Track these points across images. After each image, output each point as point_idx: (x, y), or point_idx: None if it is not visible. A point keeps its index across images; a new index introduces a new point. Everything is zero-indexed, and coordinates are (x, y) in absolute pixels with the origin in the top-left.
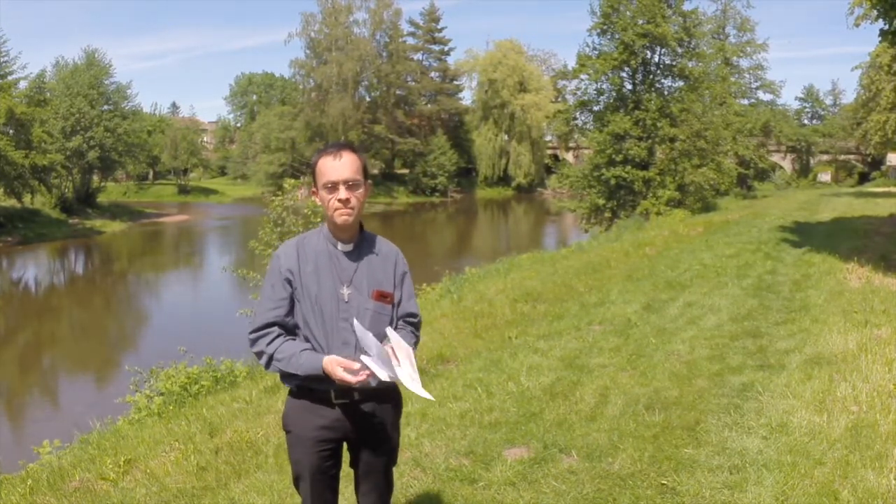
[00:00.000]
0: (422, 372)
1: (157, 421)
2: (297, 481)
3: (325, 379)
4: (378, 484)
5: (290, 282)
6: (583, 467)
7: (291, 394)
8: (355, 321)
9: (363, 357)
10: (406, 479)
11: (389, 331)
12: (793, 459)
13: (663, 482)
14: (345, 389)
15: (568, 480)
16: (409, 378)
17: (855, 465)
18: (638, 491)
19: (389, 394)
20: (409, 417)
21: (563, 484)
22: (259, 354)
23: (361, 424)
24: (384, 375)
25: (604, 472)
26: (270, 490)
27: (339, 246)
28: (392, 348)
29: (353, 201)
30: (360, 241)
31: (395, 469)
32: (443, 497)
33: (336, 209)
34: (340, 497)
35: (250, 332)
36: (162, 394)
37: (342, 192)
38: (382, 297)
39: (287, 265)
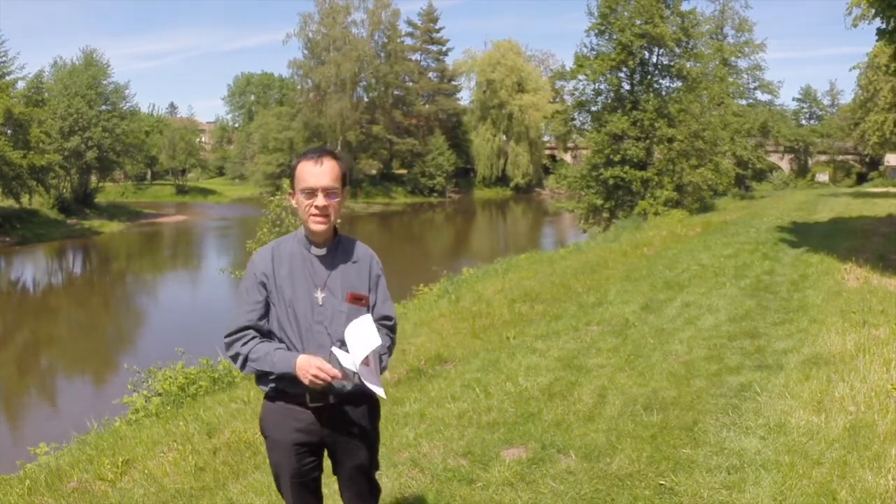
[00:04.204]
0: (420, 372)
1: (155, 421)
2: (278, 486)
3: (298, 381)
4: (361, 490)
5: (264, 285)
6: (581, 467)
7: (267, 397)
8: (334, 349)
9: (333, 349)
10: (404, 479)
11: (360, 321)
12: (791, 460)
13: (661, 482)
14: (320, 392)
15: (566, 481)
16: (371, 375)
17: (853, 465)
18: (636, 491)
19: (366, 397)
20: (407, 418)
21: (562, 484)
22: (234, 357)
23: (338, 428)
24: (349, 363)
25: (602, 473)
26: (268, 490)
27: (313, 250)
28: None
29: (330, 209)
30: (334, 246)
31: (392, 469)
32: (441, 497)
33: (312, 215)
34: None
35: (225, 337)
36: (160, 394)
37: (320, 199)
38: (357, 299)
39: (262, 269)
